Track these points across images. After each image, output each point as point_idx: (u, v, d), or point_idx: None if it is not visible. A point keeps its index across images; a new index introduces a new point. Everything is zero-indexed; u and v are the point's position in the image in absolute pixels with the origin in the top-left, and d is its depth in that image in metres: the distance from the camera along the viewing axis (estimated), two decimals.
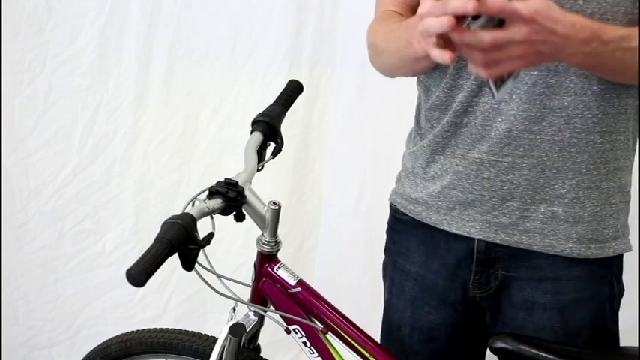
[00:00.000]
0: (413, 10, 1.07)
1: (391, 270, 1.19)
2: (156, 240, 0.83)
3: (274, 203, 1.02)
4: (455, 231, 1.05)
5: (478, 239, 1.03)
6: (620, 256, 1.05)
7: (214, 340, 1.13)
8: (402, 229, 1.15)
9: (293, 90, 1.20)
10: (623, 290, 1.08)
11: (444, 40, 0.78)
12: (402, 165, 1.17)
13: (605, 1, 0.89)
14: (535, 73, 0.94)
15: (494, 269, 1.04)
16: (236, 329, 1.04)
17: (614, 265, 1.04)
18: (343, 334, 1.06)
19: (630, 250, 1.04)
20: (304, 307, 1.07)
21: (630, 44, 0.85)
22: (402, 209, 1.13)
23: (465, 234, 1.04)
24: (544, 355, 0.95)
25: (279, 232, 1.06)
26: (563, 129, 0.95)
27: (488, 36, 0.76)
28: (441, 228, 1.07)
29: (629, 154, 1.00)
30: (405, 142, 1.18)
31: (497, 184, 1.00)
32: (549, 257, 1.01)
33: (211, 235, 0.91)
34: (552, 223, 0.99)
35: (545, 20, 0.77)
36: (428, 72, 1.07)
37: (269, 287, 1.09)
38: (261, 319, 1.13)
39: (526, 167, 0.98)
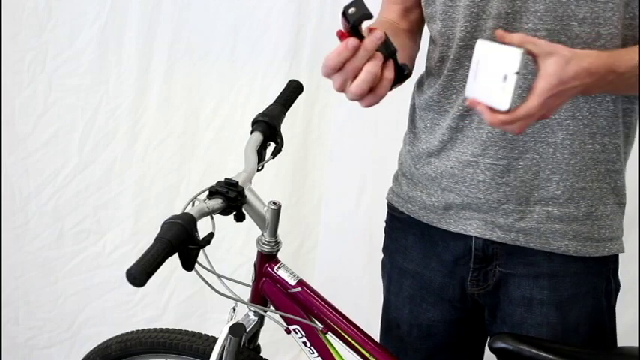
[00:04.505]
0: (410, 12, 1.08)
1: (389, 268, 1.19)
2: (156, 240, 0.83)
3: (274, 203, 1.02)
4: (452, 229, 1.05)
5: (475, 237, 1.04)
6: (616, 254, 1.05)
7: (214, 340, 1.13)
8: (400, 227, 1.15)
9: (293, 90, 1.20)
10: (619, 286, 1.08)
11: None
12: (399, 164, 1.17)
13: (597, 6, 0.88)
14: (530, 77, 0.93)
15: (492, 266, 1.05)
16: (236, 329, 1.04)
17: (610, 261, 1.04)
18: (343, 334, 1.06)
19: (623, 251, 1.04)
20: (304, 307, 1.07)
21: None
22: (400, 207, 1.13)
23: (463, 232, 1.04)
24: (544, 354, 0.95)
25: (279, 232, 1.06)
26: (556, 131, 0.96)
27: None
28: (439, 226, 1.07)
29: (619, 157, 1.00)
30: (403, 140, 1.18)
31: (492, 187, 1.00)
32: (546, 254, 1.01)
33: (211, 235, 0.91)
34: (548, 222, 1.00)
35: (557, 98, 0.82)
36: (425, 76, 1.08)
37: (269, 287, 1.09)
38: (261, 319, 1.13)
39: (521, 169, 0.98)
